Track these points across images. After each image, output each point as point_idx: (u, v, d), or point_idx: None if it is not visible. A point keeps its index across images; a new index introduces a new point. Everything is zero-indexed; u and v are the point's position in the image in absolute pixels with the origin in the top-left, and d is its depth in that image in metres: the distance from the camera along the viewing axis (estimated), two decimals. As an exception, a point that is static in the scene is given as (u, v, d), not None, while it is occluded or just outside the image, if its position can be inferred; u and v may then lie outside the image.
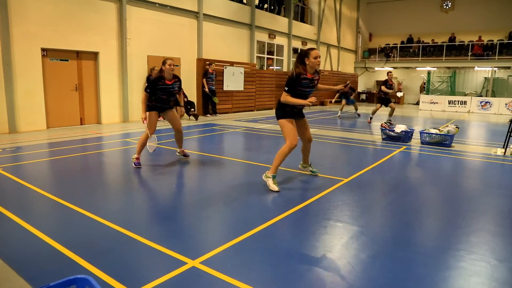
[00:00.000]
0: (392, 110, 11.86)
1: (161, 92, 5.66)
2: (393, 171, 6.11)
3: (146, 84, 5.81)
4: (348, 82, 15.28)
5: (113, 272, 2.63)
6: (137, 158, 5.77)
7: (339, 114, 15.00)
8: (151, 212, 4.01)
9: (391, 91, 11.58)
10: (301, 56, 4.69)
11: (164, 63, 5.58)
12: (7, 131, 8.95)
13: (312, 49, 4.76)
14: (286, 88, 4.64)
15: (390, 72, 11.96)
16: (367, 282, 2.61)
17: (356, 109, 15.70)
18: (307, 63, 4.65)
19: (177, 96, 5.99)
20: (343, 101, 15.15)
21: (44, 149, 7.27)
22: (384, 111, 14.24)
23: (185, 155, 6.43)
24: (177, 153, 6.48)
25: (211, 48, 14.41)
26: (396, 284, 2.58)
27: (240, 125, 11.54)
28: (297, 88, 4.63)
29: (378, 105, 12.19)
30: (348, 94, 15.16)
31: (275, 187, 4.68)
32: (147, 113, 5.76)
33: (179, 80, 5.87)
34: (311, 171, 5.54)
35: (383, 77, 28.46)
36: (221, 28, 14.98)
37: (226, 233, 3.44)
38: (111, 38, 10.97)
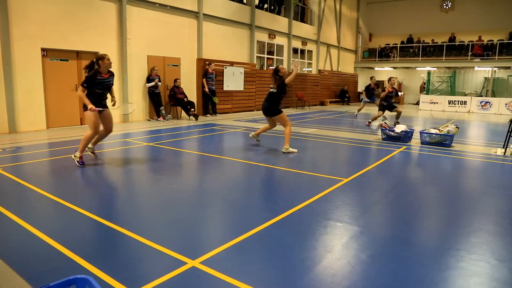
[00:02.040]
0: (399, 113, 11.88)
1: (98, 86, 5.70)
2: (393, 171, 6.11)
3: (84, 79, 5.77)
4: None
5: (113, 272, 2.63)
6: (81, 157, 5.79)
7: (356, 114, 14.85)
8: (151, 212, 4.01)
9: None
10: (276, 70, 7.08)
11: (102, 58, 5.70)
12: (7, 131, 8.95)
13: (279, 66, 7.30)
14: (285, 91, 7.18)
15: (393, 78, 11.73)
16: (367, 282, 2.60)
17: (359, 110, 15.00)
18: (280, 74, 7.02)
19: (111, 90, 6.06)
20: (362, 103, 14.60)
21: (44, 149, 7.27)
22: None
23: (93, 153, 6.25)
24: (88, 150, 6.18)
25: (211, 48, 14.41)
26: (396, 284, 2.58)
27: (240, 125, 11.54)
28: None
29: (380, 112, 11.88)
30: (372, 90, 14.34)
31: (295, 150, 7.12)
32: (85, 112, 5.72)
33: (113, 74, 5.96)
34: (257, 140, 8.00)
35: (383, 77, 28.63)
36: (221, 28, 14.98)
37: (226, 233, 3.44)
38: (111, 38, 10.97)
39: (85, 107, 5.67)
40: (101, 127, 6.02)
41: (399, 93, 17.67)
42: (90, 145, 6.13)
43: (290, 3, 18.99)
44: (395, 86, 11.83)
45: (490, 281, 2.64)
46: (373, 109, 16.82)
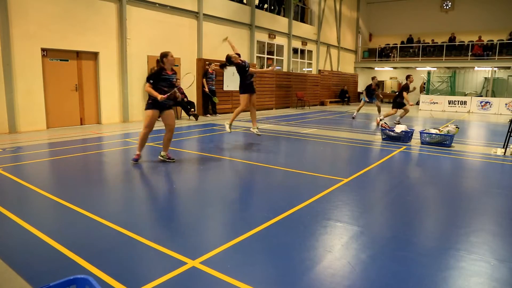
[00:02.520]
0: (406, 112, 11.98)
1: (163, 83, 5.74)
2: (393, 171, 6.11)
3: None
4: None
5: (113, 272, 2.63)
6: (137, 155, 5.93)
7: (355, 114, 14.51)
8: (151, 212, 4.01)
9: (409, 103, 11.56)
10: (229, 58, 7.60)
11: (166, 55, 5.79)
12: (7, 131, 8.95)
13: (229, 54, 7.77)
14: (245, 74, 7.77)
15: (411, 75, 11.90)
16: (367, 282, 2.61)
17: (379, 111, 14.23)
18: (232, 60, 7.62)
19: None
20: (362, 102, 14.34)
21: (44, 149, 7.27)
22: (382, 111, 14.14)
23: (171, 159, 6.21)
24: (160, 157, 6.20)
25: (211, 48, 14.42)
26: (396, 284, 2.58)
27: (240, 125, 11.54)
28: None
29: (395, 110, 11.82)
30: (373, 91, 14.04)
31: (228, 130, 7.88)
32: (147, 111, 5.80)
33: (176, 72, 6.06)
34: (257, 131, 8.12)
35: (383, 77, 28.56)
36: (221, 28, 14.98)
37: (226, 233, 3.44)
38: (111, 38, 10.97)
39: (147, 105, 5.79)
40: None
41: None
42: (162, 153, 6.19)
43: (290, 3, 19.00)
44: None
45: (490, 281, 2.64)
46: (373, 109, 16.82)
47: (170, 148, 6.32)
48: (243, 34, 16.32)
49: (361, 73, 28.25)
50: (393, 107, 11.97)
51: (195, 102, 13.60)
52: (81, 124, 10.68)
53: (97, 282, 1.96)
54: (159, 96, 5.58)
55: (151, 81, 5.67)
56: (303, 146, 8.22)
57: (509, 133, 7.68)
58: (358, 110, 14.71)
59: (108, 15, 10.81)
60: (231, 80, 15.20)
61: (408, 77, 11.71)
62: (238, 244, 3.12)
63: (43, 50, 9.50)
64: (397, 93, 11.96)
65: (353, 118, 14.45)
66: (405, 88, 11.52)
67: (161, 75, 5.71)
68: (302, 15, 21.28)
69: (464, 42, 24.32)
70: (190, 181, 5.43)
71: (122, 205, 4.33)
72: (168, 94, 5.73)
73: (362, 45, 28.10)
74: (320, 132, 10.19)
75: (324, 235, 3.40)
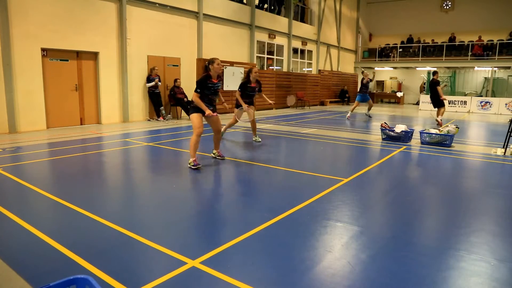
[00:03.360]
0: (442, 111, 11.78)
1: (207, 91, 5.80)
2: (393, 171, 6.10)
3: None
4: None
5: (113, 272, 2.63)
6: (194, 161, 5.74)
7: (349, 115, 14.19)
8: (151, 212, 4.01)
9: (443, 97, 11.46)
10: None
11: (212, 62, 5.76)
12: (7, 131, 8.95)
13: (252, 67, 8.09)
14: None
15: (436, 72, 11.98)
16: (367, 282, 2.60)
17: (369, 109, 14.66)
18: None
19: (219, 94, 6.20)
20: (356, 102, 14.10)
21: (44, 149, 7.27)
22: (382, 111, 14.13)
23: (221, 156, 6.44)
24: (212, 154, 6.51)
25: (211, 48, 14.41)
26: (396, 284, 2.58)
27: (240, 125, 11.53)
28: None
29: (442, 109, 11.67)
30: (367, 86, 13.87)
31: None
32: (192, 115, 5.87)
33: (221, 79, 6.09)
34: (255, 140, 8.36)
35: (383, 77, 28.50)
36: (221, 28, 14.98)
37: (226, 233, 3.44)
38: (111, 38, 10.97)
39: (191, 110, 5.88)
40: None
41: (400, 93, 17.60)
42: (214, 151, 6.43)
43: (290, 3, 19.00)
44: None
45: (490, 281, 2.64)
46: (375, 110, 16.82)
47: (171, 148, 6.33)
48: (243, 34, 16.31)
49: (361, 73, 28.26)
50: (439, 107, 11.71)
51: (195, 102, 13.59)
52: (81, 124, 10.68)
53: (97, 282, 1.96)
54: (207, 112, 5.65)
55: (199, 91, 5.71)
56: (303, 146, 8.22)
57: (509, 133, 7.68)
58: (352, 111, 14.39)
59: (108, 15, 10.81)
60: (231, 80, 15.19)
61: (435, 73, 11.74)
62: (238, 244, 3.12)
63: (43, 50, 9.50)
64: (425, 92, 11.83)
65: (348, 118, 14.12)
66: (436, 83, 11.43)
67: (207, 83, 5.74)
68: (302, 15, 21.28)
69: (464, 42, 24.32)
70: (189, 181, 5.43)
71: (122, 205, 4.33)
72: (214, 113, 5.86)
73: (362, 45, 28.10)
74: (320, 132, 10.19)
75: (324, 235, 3.40)
